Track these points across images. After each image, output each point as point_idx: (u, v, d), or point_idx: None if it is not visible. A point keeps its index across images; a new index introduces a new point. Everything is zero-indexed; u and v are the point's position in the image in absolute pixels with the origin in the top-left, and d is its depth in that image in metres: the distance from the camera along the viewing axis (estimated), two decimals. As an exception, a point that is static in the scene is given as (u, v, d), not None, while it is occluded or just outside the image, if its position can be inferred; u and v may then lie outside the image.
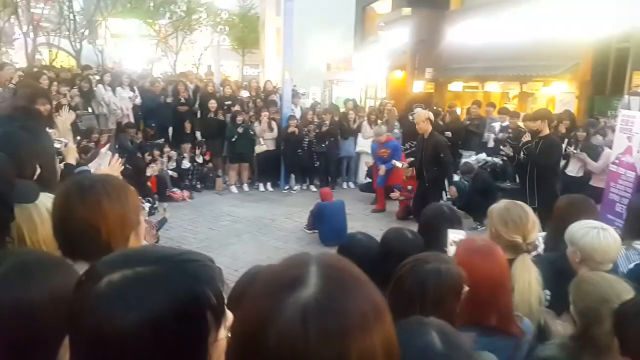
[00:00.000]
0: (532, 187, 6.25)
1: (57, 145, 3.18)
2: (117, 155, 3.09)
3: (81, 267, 1.35)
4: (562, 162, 8.01)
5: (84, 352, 0.79)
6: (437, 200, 6.51)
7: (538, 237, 2.54)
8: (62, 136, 3.44)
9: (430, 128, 6.67)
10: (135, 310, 0.76)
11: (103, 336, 0.76)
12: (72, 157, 3.32)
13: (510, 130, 8.68)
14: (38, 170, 2.23)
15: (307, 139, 10.00)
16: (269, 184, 10.28)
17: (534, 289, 2.10)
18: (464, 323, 1.64)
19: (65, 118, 3.61)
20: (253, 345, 0.71)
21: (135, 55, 28.87)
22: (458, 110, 12.03)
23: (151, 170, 8.51)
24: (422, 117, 6.66)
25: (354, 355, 0.69)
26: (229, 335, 0.78)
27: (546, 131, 6.01)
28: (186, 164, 9.59)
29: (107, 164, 2.87)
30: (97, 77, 10.07)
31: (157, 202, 8.16)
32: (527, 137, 6.40)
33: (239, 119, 9.56)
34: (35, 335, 1.01)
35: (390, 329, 0.76)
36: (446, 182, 7.71)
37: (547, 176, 6.13)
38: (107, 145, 3.41)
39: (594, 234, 2.24)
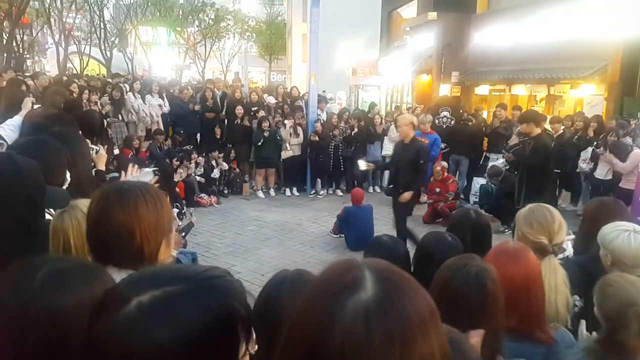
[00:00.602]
0: (521, 187, 6.27)
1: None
2: (157, 177, 3.16)
3: (110, 272, 1.43)
4: (591, 165, 7.91)
5: None
6: (408, 206, 6.43)
7: (566, 240, 2.51)
8: (93, 144, 3.58)
9: (413, 133, 6.17)
10: (171, 329, 0.77)
11: (137, 358, 0.76)
12: (102, 164, 3.45)
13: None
14: (68, 178, 2.33)
15: (333, 144, 10.06)
16: (295, 189, 10.37)
17: (561, 290, 2.08)
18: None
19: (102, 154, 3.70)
20: (316, 347, 0.71)
21: (165, 63, 29.42)
22: (484, 114, 11.92)
23: (178, 176, 8.68)
24: (406, 121, 6.22)
25: (415, 358, 0.70)
26: (285, 339, 0.78)
27: (535, 132, 5.93)
28: (216, 173, 9.73)
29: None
30: (127, 85, 10.34)
31: (185, 207, 8.33)
32: (514, 141, 6.43)
33: (265, 125, 9.69)
34: (66, 344, 1.00)
35: (442, 330, 0.77)
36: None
37: (535, 176, 6.06)
38: (150, 168, 3.49)
39: (624, 237, 2.19)
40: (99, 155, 3.42)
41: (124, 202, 1.43)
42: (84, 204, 1.77)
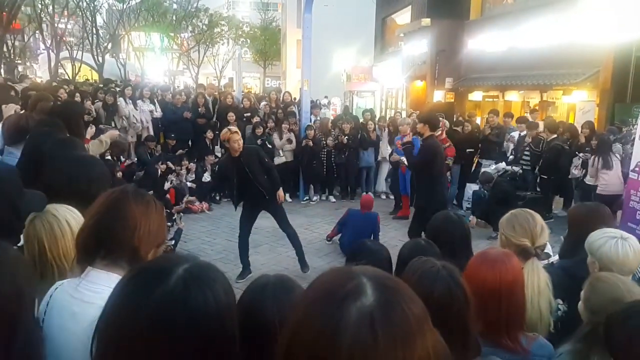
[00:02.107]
0: (412, 189, 6.47)
1: None
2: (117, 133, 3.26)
3: (97, 266, 1.40)
4: (582, 172, 7.93)
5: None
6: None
7: (548, 245, 2.55)
8: (92, 152, 3.60)
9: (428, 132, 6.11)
10: (212, 289, 0.98)
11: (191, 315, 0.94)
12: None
13: (529, 140, 8.66)
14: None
15: (325, 150, 10.03)
16: (287, 195, 10.31)
17: (544, 293, 2.08)
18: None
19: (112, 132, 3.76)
20: (323, 353, 0.74)
21: (158, 69, 29.38)
22: (477, 120, 11.94)
23: (169, 183, 8.63)
24: (222, 138, 6.23)
25: (416, 358, 0.75)
26: (287, 346, 0.81)
27: (427, 134, 5.95)
28: (207, 177, 9.67)
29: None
30: (118, 90, 10.30)
31: (175, 214, 8.27)
32: (408, 138, 6.61)
33: (258, 130, 9.64)
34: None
35: (437, 333, 0.83)
36: None
37: (422, 178, 6.12)
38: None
39: (612, 244, 2.20)
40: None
41: (140, 200, 1.49)
42: (55, 208, 1.80)
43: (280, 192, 6.24)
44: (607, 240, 2.23)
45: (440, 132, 8.33)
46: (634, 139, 6.98)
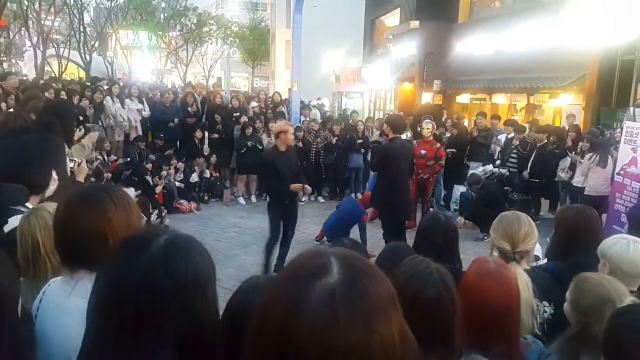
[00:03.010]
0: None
1: (70, 164, 3.30)
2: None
3: (83, 276, 1.38)
4: (569, 174, 8.04)
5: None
6: None
7: (538, 246, 2.58)
8: (76, 156, 3.56)
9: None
10: (191, 255, 1.08)
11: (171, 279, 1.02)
12: (82, 177, 3.41)
13: (517, 143, 8.75)
14: (56, 182, 2.30)
15: (314, 150, 10.03)
16: (276, 196, 10.30)
17: (525, 297, 2.07)
18: (469, 345, 1.61)
19: (92, 134, 3.72)
20: (287, 328, 0.76)
21: (145, 67, 29.18)
22: (465, 122, 12.03)
23: (159, 187, 8.58)
24: (277, 129, 6.03)
25: (377, 339, 0.75)
26: (256, 322, 0.83)
27: (391, 135, 6.05)
28: (194, 177, 9.62)
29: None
30: (105, 88, 10.17)
31: (164, 213, 8.23)
32: (376, 137, 6.71)
33: (248, 130, 9.62)
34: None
35: (402, 316, 0.83)
36: None
37: (379, 179, 6.26)
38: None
39: (623, 244, 2.25)
40: (81, 168, 3.42)
41: (92, 206, 1.44)
42: (50, 204, 1.78)
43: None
44: (618, 240, 2.28)
45: (429, 134, 8.41)
46: (618, 142, 7.10)
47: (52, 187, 2.27)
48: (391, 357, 0.77)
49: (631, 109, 6.83)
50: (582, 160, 7.62)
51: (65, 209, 1.46)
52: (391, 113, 11.67)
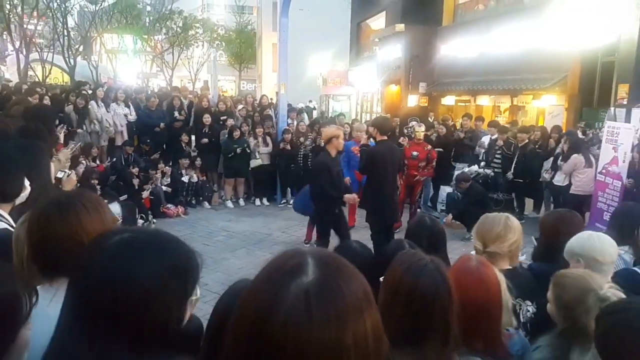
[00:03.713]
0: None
1: (59, 175, 3.32)
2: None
3: (62, 283, 1.39)
4: (551, 174, 8.16)
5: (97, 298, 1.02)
6: None
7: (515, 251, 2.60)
8: (64, 167, 3.57)
9: None
10: (148, 254, 1.07)
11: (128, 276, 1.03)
12: (70, 187, 3.41)
13: (501, 144, 8.87)
14: (27, 188, 2.30)
15: (302, 152, 10.04)
16: (265, 199, 10.32)
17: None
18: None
19: (63, 154, 3.73)
20: (262, 327, 0.78)
21: (131, 71, 28.97)
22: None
23: (146, 192, 8.55)
24: (328, 135, 6.04)
25: (350, 336, 0.77)
26: (234, 321, 0.85)
27: (379, 138, 6.20)
28: (186, 178, 9.59)
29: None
30: (90, 92, 10.08)
31: (150, 218, 8.20)
32: (364, 141, 7.18)
33: (236, 133, 9.63)
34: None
35: (377, 315, 0.84)
36: None
37: (368, 181, 6.40)
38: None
39: (588, 235, 2.36)
40: (69, 179, 3.42)
41: (65, 215, 1.44)
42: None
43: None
44: (583, 234, 2.38)
45: (421, 136, 8.52)
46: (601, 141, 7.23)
47: (24, 193, 2.27)
48: (364, 354, 0.79)
49: (612, 109, 6.99)
50: (561, 162, 7.73)
51: (39, 221, 1.46)
52: (377, 115, 11.75)
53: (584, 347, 1.74)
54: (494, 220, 2.41)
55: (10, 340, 1.16)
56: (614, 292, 1.72)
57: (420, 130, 8.54)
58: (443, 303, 1.53)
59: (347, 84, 23.25)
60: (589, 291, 1.79)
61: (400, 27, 15.86)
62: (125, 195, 7.71)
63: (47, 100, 8.58)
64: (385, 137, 6.21)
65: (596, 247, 2.28)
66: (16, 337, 1.16)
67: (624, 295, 1.78)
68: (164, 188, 9.16)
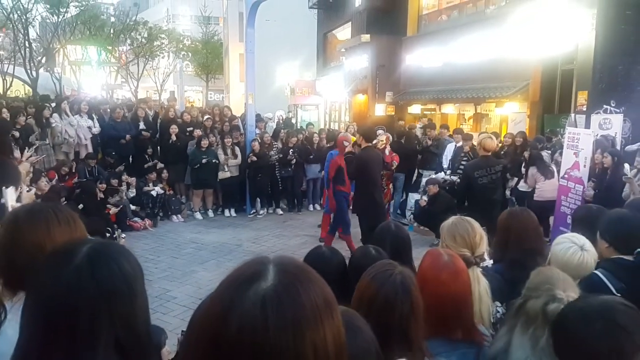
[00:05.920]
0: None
1: (22, 188, 3.27)
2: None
3: (20, 298, 1.35)
4: (515, 180, 8.34)
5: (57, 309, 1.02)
6: None
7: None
8: (24, 181, 3.52)
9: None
10: (114, 263, 1.09)
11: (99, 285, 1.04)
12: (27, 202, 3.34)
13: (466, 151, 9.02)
14: None
15: (270, 163, 10.00)
16: (233, 210, 10.24)
17: (484, 300, 2.18)
18: (431, 334, 1.72)
19: (23, 167, 3.71)
20: (217, 331, 0.77)
21: (95, 82, 28.42)
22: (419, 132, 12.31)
23: (113, 208, 8.37)
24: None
25: (308, 344, 0.76)
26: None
27: (364, 145, 6.68)
28: (158, 190, 9.42)
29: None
30: (54, 105, 9.85)
31: (116, 231, 8.03)
32: (349, 148, 7.53)
33: (204, 142, 9.54)
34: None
35: (339, 324, 0.83)
36: None
37: (358, 186, 6.83)
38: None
39: (558, 247, 2.45)
40: (29, 195, 3.36)
41: (35, 222, 1.42)
42: None
43: None
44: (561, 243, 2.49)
45: (385, 145, 8.64)
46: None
47: None
48: None
49: (572, 115, 7.18)
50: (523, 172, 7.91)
51: (9, 227, 1.44)
52: (349, 124, 11.90)
53: (524, 327, 1.80)
54: (471, 226, 2.45)
55: None
56: (568, 296, 1.77)
57: (381, 139, 8.74)
58: (402, 312, 1.59)
59: (315, 93, 23.36)
60: (546, 283, 1.84)
61: (366, 37, 16.08)
62: (82, 205, 7.48)
63: (5, 114, 8.37)
64: (370, 144, 6.66)
65: (561, 257, 2.38)
66: None
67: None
68: (132, 207, 8.97)
